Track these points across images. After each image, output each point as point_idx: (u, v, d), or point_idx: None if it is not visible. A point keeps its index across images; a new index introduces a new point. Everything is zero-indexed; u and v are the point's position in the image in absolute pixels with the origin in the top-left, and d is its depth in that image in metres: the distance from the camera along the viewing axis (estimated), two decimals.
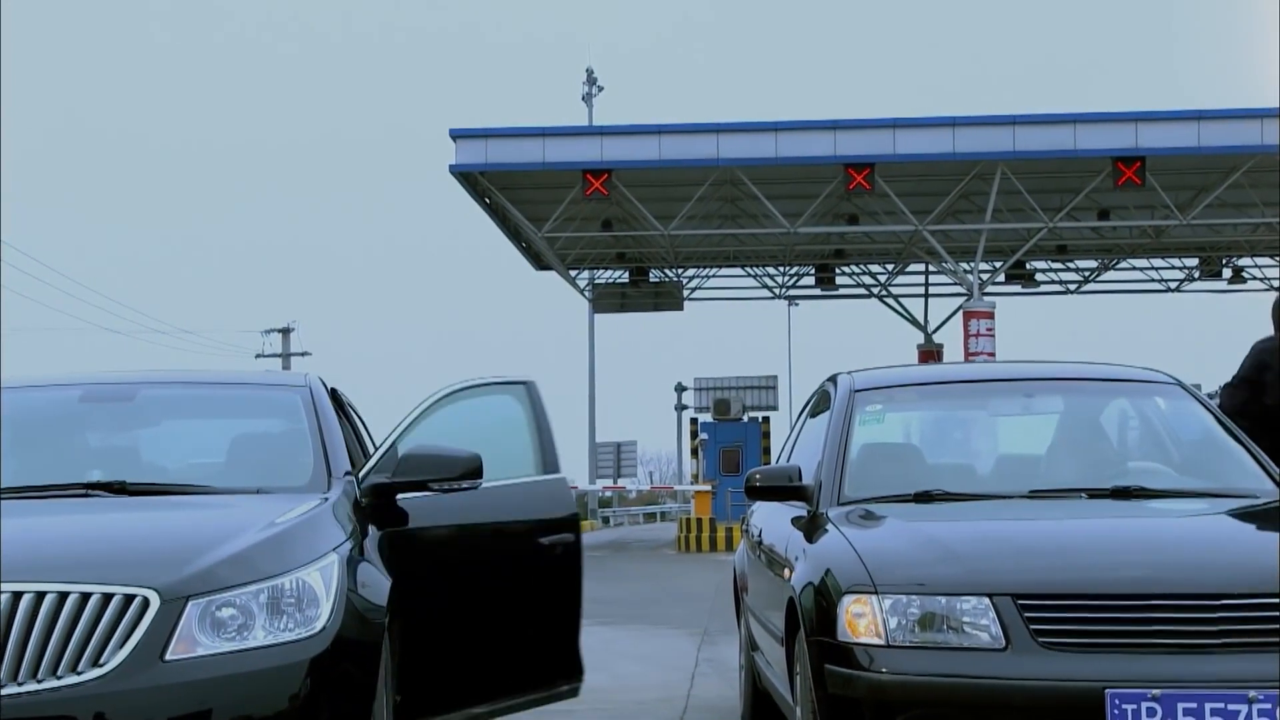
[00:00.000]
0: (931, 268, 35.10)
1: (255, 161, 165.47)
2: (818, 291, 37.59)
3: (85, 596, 4.13)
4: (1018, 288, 36.12)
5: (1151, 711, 4.21)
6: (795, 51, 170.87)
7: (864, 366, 6.78)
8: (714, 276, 37.79)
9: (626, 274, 35.34)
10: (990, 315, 27.69)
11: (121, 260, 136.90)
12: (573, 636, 5.89)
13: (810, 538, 5.38)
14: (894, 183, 26.42)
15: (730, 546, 27.02)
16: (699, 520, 30.37)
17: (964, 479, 5.95)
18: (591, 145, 26.42)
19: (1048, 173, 27.34)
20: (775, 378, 43.17)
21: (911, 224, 28.02)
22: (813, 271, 35.76)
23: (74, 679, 4.04)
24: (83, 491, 5.23)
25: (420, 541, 5.59)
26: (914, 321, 37.74)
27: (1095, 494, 5.59)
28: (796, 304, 53.04)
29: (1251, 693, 4.19)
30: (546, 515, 5.86)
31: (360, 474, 5.58)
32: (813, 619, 4.85)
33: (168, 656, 4.14)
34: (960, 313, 29.69)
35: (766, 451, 36.62)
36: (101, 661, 4.08)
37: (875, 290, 37.58)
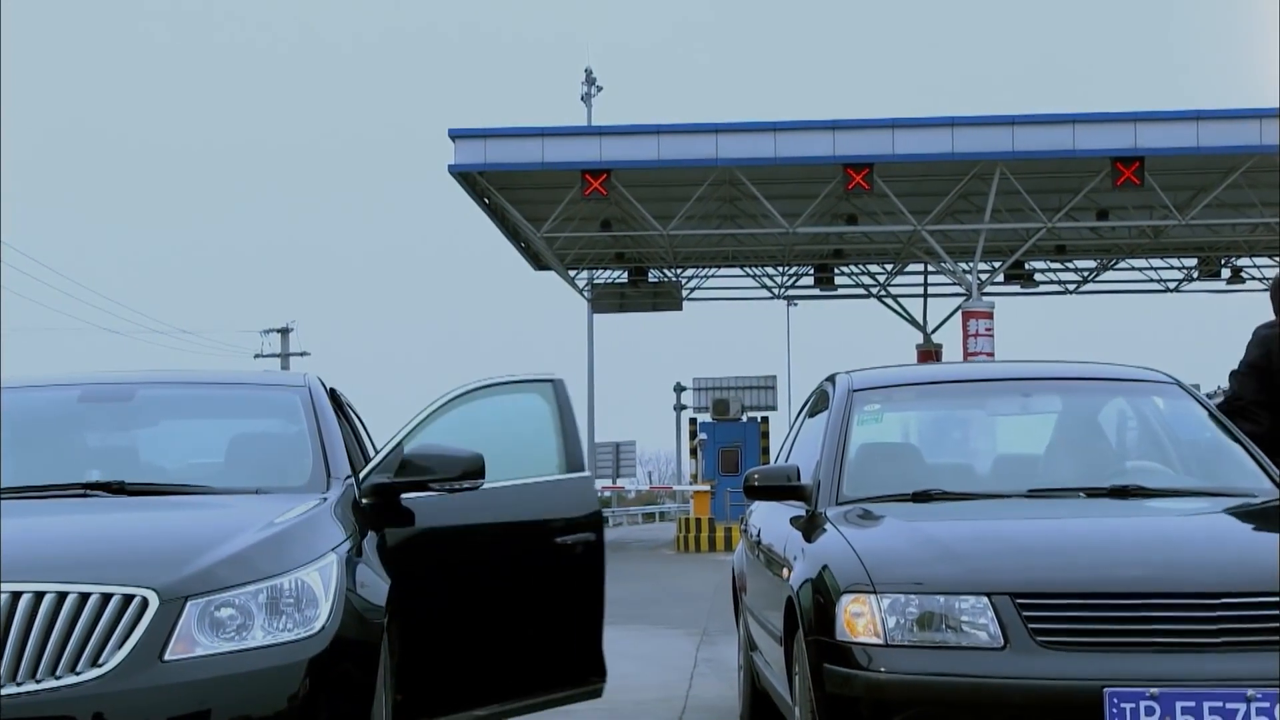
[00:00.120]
0: (930, 268, 35.11)
1: (255, 161, 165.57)
2: (817, 291, 37.60)
3: (84, 596, 4.13)
4: (1017, 288, 36.13)
5: (1150, 710, 4.22)
6: (794, 51, 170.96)
7: (863, 366, 6.79)
8: (713, 276, 37.80)
9: (625, 274, 35.33)
10: (989, 315, 27.68)
11: (121, 260, 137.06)
12: (594, 636, 5.86)
13: (809, 537, 5.39)
14: (893, 183, 26.42)
15: (729, 546, 27.01)
16: (698, 520, 30.38)
17: (962, 478, 5.95)
18: (590, 145, 26.42)
19: (1047, 173, 27.34)
20: (774, 378, 43.20)
21: (910, 224, 28.02)
22: (812, 271, 35.76)
23: (73, 679, 4.04)
24: (81, 491, 5.23)
25: (425, 542, 5.58)
26: (913, 321, 37.74)
27: (1094, 493, 5.59)
28: (795, 304, 53.10)
29: (1250, 691, 4.19)
30: (565, 514, 5.83)
31: (362, 474, 5.58)
32: (811, 618, 4.85)
33: (167, 656, 4.14)
34: (959, 313, 29.70)
35: (765, 451, 36.63)
36: (100, 661, 4.08)
37: (874, 290, 37.58)
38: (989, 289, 30.20)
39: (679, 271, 36.32)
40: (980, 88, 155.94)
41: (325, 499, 5.15)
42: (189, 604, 4.22)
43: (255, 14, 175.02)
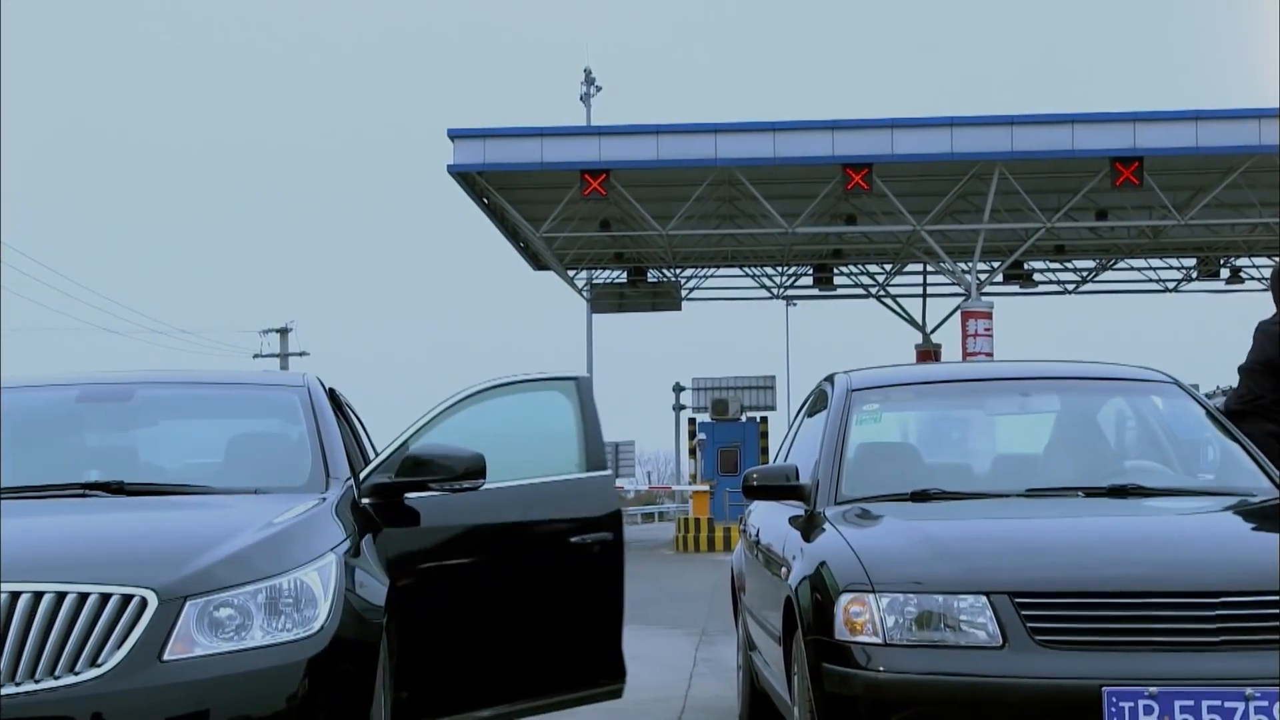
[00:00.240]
0: (929, 268, 35.09)
1: (254, 161, 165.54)
2: (816, 291, 37.58)
3: (83, 596, 4.14)
4: (1016, 288, 36.09)
5: (1149, 709, 4.22)
6: (793, 52, 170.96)
7: (861, 366, 6.79)
8: (712, 276, 37.76)
9: (624, 274, 35.30)
10: (988, 315, 27.66)
11: (120, 260, 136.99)
12: (612, 636, 5.80)
13: (808, 537, 5.39)
14: (892, 183, 26.41)
15: (728, 546, 27.00)
16: (697, 520, 30.36)
17: (961, 478, 5.95)
18: (589, 145, 26.40)
19: (1046, 173, 27.33)
20: (773, 377, 43.17)
21: (909, 224, 28.01)
22: (811, 271, 35.72)
23: (72, 679, 4.05)
24: (80, 491, 5.23)
25: (429, 542, 5.57)
26: (912, 321, 37.73)
27: (1092, 493, 5.59)
28: (794, 304, 52.97)
29: (1248, 690, 4.19)
30: (581, 514, 5.80)
31: (363, 473, 5.57)
32: (810, 618, 4.85)
33: (166, 656, 4.14)
34: (958, 313, 29.69)
35: (764, 451, 36.64)
36: (99, 661, 4.08)
37: (873, 290, 37.56)
38: (988, 289, 30.19)
39: (678, 271, 36.30)
40: (979, 88, 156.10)
41: (324, 499, 5.15)
42: (188, 604, 4.22)
43: (255, 14, 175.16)
